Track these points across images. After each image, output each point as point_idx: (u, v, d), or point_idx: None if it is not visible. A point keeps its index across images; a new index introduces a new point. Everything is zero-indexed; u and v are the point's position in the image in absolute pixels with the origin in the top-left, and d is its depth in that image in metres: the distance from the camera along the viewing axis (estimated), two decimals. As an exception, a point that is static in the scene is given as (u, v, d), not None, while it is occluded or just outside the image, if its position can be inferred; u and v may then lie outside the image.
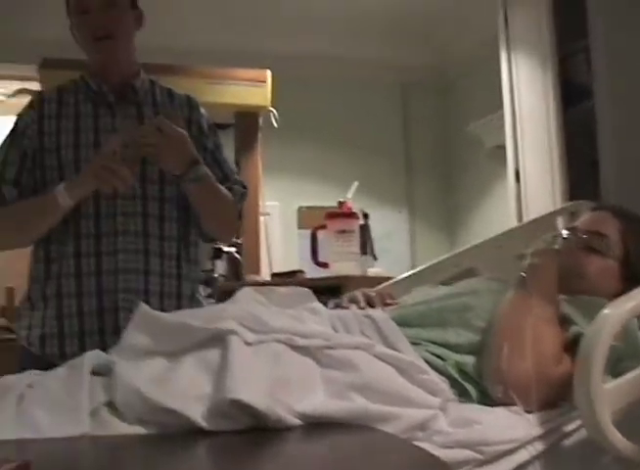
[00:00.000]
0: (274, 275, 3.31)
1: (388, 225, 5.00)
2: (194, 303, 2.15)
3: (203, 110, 2.30)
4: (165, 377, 1.30)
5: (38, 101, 2.18)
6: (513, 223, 4.07)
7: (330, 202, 4.79)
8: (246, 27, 4.72)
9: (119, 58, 2.18)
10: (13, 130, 2.16)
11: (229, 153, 4.30)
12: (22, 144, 2.13)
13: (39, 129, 2.13)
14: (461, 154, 5.10)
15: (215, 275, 3.69)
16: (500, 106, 4.03)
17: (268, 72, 4.22)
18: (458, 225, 5.15)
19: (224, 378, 1.22)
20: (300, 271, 3.44)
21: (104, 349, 1.92)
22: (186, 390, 1.25)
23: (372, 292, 1.81)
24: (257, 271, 4.05)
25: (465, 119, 4.86)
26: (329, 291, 3.11)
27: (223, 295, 3.41)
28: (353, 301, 1.76)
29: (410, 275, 2.49)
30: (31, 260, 2.15)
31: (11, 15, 4.37)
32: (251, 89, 4.16)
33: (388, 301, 1.79)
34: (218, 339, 1.34)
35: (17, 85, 4.77)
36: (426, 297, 1.73)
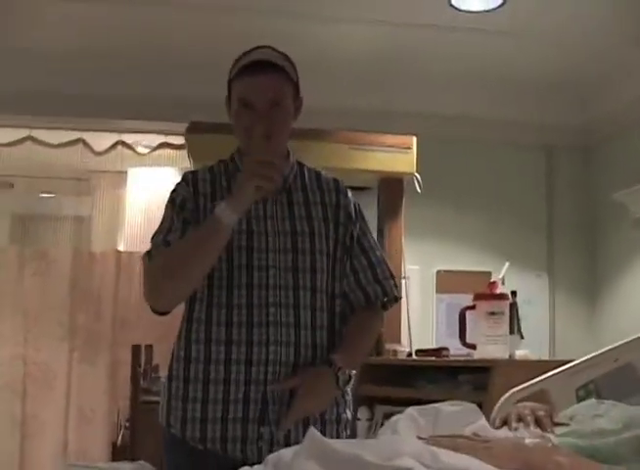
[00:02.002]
0: (418, 352, 3.26)
1: (527, 290, 4.87)
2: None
3: (350, 194, 2.27)
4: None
5: (193, 179, 2.18)
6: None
7: (469, 266, 4.75)
8: (392, 88, 4.72)
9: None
10: (172, 202, 2.16)
11: (371, 216, 4.36)
12: (185, 216, 2.12)
13: (195, 206, 2.13)
14: (605, 221, 4.95)
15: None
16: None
17: (414, 139, 4.22)
18: (600, 294, 4.98)
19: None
20: (445, 349, 3.39)
21: (245, 437, 1.98)
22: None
23: (540, 410, 1.74)
24: (398, 340, 4.02)
25: (610, 185, 4.73)
26: (476, 370, 3.08)
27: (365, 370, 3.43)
28: (521, 420, 1.70)
29: (566, 369, 2.41)
30: (181, 341, 2.13)
31: (160, 73, 4.51)
32: (397, 155, 4.17)
33: (557, 420, 1.73)
34: (394, 475, 1.31)
35: (160, 139, 4.93)
36: (596, 423, 1.65)
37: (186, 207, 2.13)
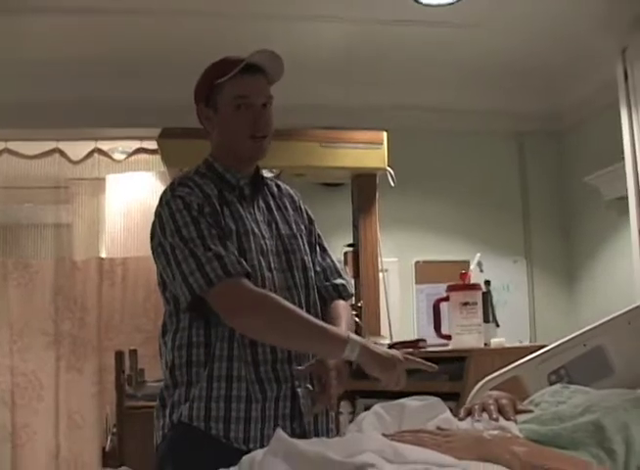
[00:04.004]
0: (395, 344, 3.30)
1: (505, 275, 4.95)
2: None
3: None
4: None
5: (194, 182, 2.15)
6: (637, 276, 3.99)
7: (447, 256, 4.81)
8: (360, 84, 4.75)
9: (264, 155, 2.24)
10: (187, 208, 2.07)
11: (345, 211, 4.42)
12: (207, 220, 2.07)
13: (212, 210, 2.10)
14: (579, 204, 5.02)
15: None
16: (619, 157, 3.97)
17: (384, 134, 4.26)
18: (577, 277, 5.06)
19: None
20: (422, 340, 3.44)
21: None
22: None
23: (504, 398, 1.79)
24: (378, 332, 4.07)
25: (582, 169, 4.79)
26: (452, 361, 3.13)
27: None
28: (485, 410, 1.76)
29: (537, 356, 2.47)
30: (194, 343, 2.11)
31: (133, 79, 4.54)
32: (368, 151, 4.20)
33: (520, 408, 1.78)
34: (358, 471, 1.36)
35: (136, 145, 4.97)
36: (558, 409, 1.71)
37: (205, 211, 2.09)
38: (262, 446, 1.90)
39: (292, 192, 2.40)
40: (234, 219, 2.13)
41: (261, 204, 2.26)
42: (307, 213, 2.39)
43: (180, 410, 2.07)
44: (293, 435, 1.92)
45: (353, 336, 2.00)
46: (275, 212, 2.27)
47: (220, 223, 2.09)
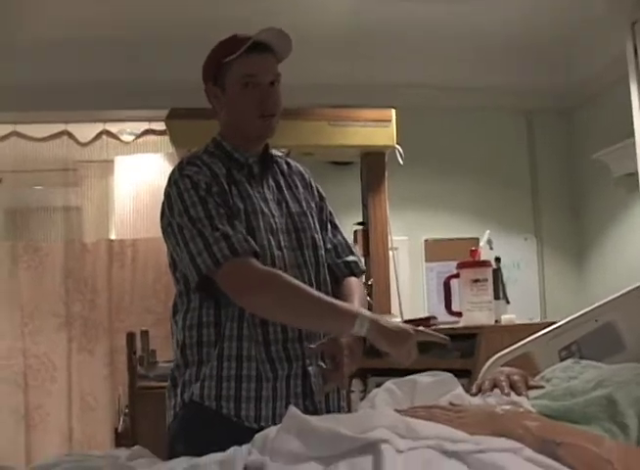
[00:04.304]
0: (406, 322, 3.30)
1: (516, 253, 4.94)
2: None
3: None
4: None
5: (203, 162, 2.15)
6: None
7: (456, 233, 4.80)
8: (368, 61, 4.72)
9: (273, 134, 2.24)
10: (195, 188, 2.08)
11: (355, 190, 4.41)
12: (215, 200, 2.07)
13: (221, 189, 2.11)
14: (588, 181, 5.00)
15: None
16: (629, 133, 3.95)
17: (393, 112, 4.24)
18: (587, 254, 5.04)
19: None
20: (433, 317, 3.44)
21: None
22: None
23: (515, 374, 1.80)
24: (388, 310, 4.08)
25: (591, 146, 4.76)
26: (463, 338, 3.13)
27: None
28: (496, 386, 1.76)
29: (548, 332, 2.47)
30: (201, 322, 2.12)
31: (140, 60, 4.52)
32: (377, 129, 4.19)
33: (532, 383, 1.79)
34: (371, 447, 1.36)
35: (144, 126, 4.96)
36: (570, 384, 1.71)
37: (213, 190, 2.09)
38: (274, 425, 1.93)
39: (302, 169, 2.40)
40: (242, 198, 2.13)
41: (271, 182, 2.26)
42: (318, 191, 2.38)
43: (191, 389, 2.08)
44: (305, 413, 1.94)
45: (363, 311, 2.00)
46: (285, 191, 2.27)
47: (228, 202, 2.09)
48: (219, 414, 2.05)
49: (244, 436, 1.60)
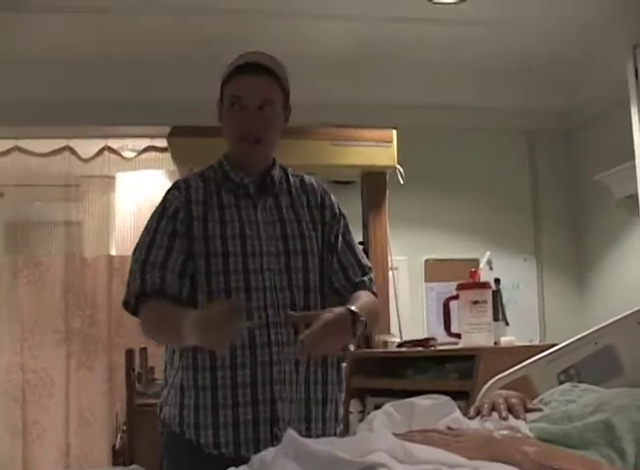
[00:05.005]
0: (405, 343, 3.31)
1: (515, 274, 4.94)
2: (340, 370, 2.24)
3: (332, 194, 2.37)
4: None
5: (186, 187, 2.21)
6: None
7: (457, 254, 4.80)
8: (371, 82, 4.75)
9: (258, 159, 2.23)
10: (163, 211, 2.18)
11: (355, 209, 4.41)
12: (174, 227, 2.15)
13: (188, 214, 2.16)
14: (589, 202, 5.01)
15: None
16: (630, 156, 3.96)
17: (394, 132, 4.26)
18: (588, 276, 5.04)
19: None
20: (432, 338, 3.44)
21: (257, 438, 2.03)
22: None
23: (514, 397, 1.79)
24: (388, 330, 4.07)
25: (593, 167, 4.77)
26: (462, 359, 3.13)
27: (355, 362, 3.49)
28: (495, 409, 1.76)
29: (547, 355, 2.46)
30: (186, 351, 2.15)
31: (143, 77, 4.55)
32: (378, 149, 4.21)
33: (530, 406, 1.78)
34: (368, 470, 1.36)
35: (145, 143, 4.97)
36: (568, 408, 1.71)
37: (178, 216, 2.16)
38: (235, 451, 2.02)
39: (316, 187, 2.33)
40: (221, 222, 2.15)
41: (269, 203, 2.24)
42: (332, 210, 2.30)
43: (164, 411, 2.18)
44: (275, 440, 1.98)
45: (192, 313, 1.97)
46: (285, 211, 2.24)
47: (190, 230, 2.14)
48: (183, 438, 2.11)
49: (206, 462, 1.63)
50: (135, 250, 2.19)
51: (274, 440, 2.01)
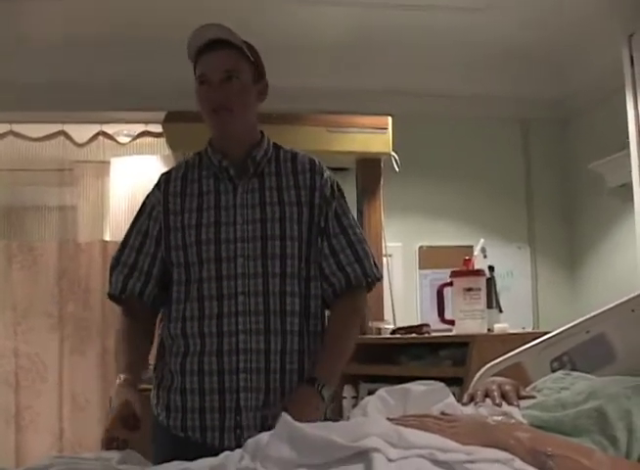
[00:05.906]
0: (399, 329, 3.32)
1: (509, 261, 4.96)
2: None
3: (327, 173, 2.26)
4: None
5: (165, 180, 2.25)
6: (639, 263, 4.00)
7: (451, 241, 4.81)
8: (366, 68, 4.75)
9: (237, 130, 2.18)
10: (141, 209, 2.27)
11: (350, 196, 4.40)
12: (147, 226, 2.22)
13: (165, 209, 2.19)
14: (583, 191, 5.02)
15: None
16: (624, 144, 3.96)
17: (389, 119, 4.26)
18: (580, 264, 5.06)
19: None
20: (426, 325, 3.45)
21: (222, 426, 2.06)
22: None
23: (507, 384, 1.80)
24: (381, 317, 4.08)
25: (586, 156, 4.78)
26: (455, 346, 3.14)
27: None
28: (488, 395, 1.77)
29: (540, 342, 2.47)
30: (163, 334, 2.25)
31: (138, 62, 4.53)
32: (373, 136, 4.21)
33: (523, 393, 1.79)
34: (362, 455, 1.37)
35: (140, 128, 4.96)
36: (561, 395, 1.72)
37: (153, 214, 2.22)
38: (202, 435, 2.07)
39: (308, 166, 2.24)
40: (198, 211, 2.15)
41: (254, 185, 2.18)
42: (322, 191, 2.20)
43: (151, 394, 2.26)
44: (239, 428, 2.05)
45: (121, 377, 2.08)
46: (268, 194, 2.17)
47: (167, 226, 2.18)
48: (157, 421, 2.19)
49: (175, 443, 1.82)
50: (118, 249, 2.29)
51: (237, 428, 2.06)
